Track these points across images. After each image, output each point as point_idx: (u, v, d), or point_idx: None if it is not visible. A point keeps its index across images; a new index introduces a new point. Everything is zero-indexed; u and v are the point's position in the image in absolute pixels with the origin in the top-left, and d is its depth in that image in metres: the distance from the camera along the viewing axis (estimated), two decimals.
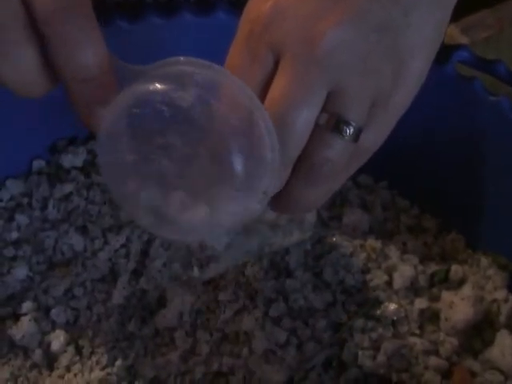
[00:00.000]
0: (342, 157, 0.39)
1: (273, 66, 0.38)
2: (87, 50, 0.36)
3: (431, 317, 0.54)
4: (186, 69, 0.37)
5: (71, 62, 0.36)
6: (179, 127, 0.36)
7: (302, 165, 0.39)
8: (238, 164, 0.36)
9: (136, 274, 0.57)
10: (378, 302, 0.54)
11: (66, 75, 0.36)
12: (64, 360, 0.53)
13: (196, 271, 0.51)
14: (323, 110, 0.38)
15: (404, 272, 0.55)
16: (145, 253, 0.58)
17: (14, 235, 0.58)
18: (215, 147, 0.36)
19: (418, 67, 0.39)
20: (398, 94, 0.39)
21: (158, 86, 0.36)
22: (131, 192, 0.38)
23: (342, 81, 0.37)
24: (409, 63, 0.38)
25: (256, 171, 0.37)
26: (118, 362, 0.53)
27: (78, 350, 0.54)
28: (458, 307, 0.52)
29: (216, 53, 0.50)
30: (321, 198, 0.42)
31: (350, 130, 0.38)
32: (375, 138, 0.40)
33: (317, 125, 0.38)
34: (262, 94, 0.38)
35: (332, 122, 0.38)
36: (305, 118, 0.37)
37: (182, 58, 0.37)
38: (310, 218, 0.52)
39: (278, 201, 0.41)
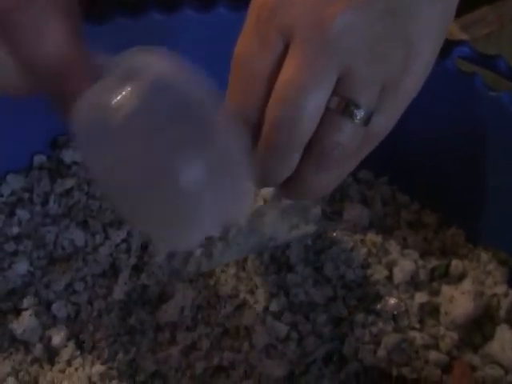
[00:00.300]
0: (352, 141, 0.39)
1: (283, 49, 0.38)
2: (45, 40, 0.37)
3: (431, 311, 0.54)
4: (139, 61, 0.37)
5: (29, 52, 0.37)
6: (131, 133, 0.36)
7: (313, 149, 0.39)
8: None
9: (137, 269, 0.57)
10: (378, 297, 0.54)
11: (27, 67, 0.37)
12: (65, 354, 0.53)
13: (197, 264, 0.51)
14: (334, 93, 0.38)
15: (404, 267, 0.55)
16: (145, 248, 0.58)
17: (15, 230, 0.58)
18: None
19: (427, 52, 0.39)
20: (407, 79, 0.39)
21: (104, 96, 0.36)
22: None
23: (351, 64, 0.37)
24: (418, 48, 0.38)
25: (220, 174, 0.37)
26: (119, 357, 0.53)
27: (79, 345, 0.54)
28: (458, 301, 0.52)
29: (217, 48, 0.51)
30: (331, 183, 0.42)
31: (360, 114, 0.38)
32: (385, 122, 0.40)
33: (327, 109, 0.38)
34: (273, 78, 0.38)
35: (342, 105, 0.38)
36: (316, 102, 0.37)
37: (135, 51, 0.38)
38: (315, 211, 0.52)
39: (289, 186, 0.41)
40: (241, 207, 0.39)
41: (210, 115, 0.37)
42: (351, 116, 0.38)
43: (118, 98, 0.35)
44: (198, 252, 0.55)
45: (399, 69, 0.38)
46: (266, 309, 0.54)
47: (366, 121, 0.38)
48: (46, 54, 0.37)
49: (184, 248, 0.43)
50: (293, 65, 0.37)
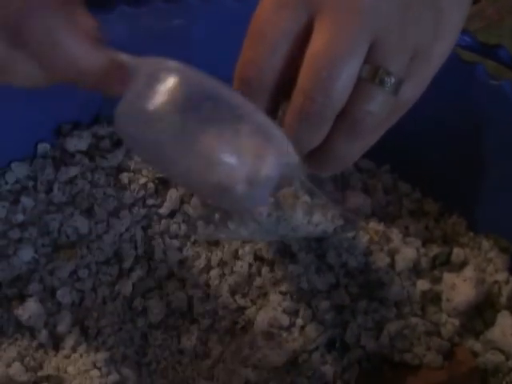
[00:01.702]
0: (383, 109, 0.39)
1: (305, 20, 0.38)
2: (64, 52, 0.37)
3: (433, 298, 0.54)
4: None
5: (55, 64, 0.37)
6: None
7: (345, 118, 0.39)
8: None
9: (141, 256, 0.57)
10: (380, 284, 0.55)
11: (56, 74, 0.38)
12: (70, 341, 0.53)
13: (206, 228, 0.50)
14: (365, 61, 0.38)
15: (406, 254, 0.56)
16: (150, 237, 0.58)
17: (20, 217, 0.58)
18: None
19: (455, 20, 0.40)
20: (437, 45, 0.39)
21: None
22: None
23: (383, 32, 0.37)
24: (448, 15, 0.39)
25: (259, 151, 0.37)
26: (125, 343, 0.53)
27: (84, 331, 0.54)
28: (460, 288, 0.53)
29: (224, 38, 0.51)
30: (358, 153, 0.42)
31: (391, 82, 0.38)
32: (414, 90, 0.40)
33: (359, 77, 0.38)
34: (295, 49, 0.38)
35: (374, 73, 0.38)
36: (349, 71, 0.37)
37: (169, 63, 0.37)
38: (335, 212, 0.52)
39: (316, 156, 0.41)
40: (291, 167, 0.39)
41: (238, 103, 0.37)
42: (382, 84, 0.38)
43: (161, 97, 0.36)
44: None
45: (429, 35, 0.39)
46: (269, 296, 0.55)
47: (397, 89, 0.38)
48: (69, 65, 0.37)
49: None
50: (323, 35, 0.37)
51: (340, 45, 0.37)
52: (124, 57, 0.38)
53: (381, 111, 0.39)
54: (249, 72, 0.39)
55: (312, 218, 0.47)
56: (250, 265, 0.56)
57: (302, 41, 0.38)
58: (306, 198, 0.46)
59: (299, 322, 0.53)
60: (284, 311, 0.54)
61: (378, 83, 0.38)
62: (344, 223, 0.48)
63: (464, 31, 0.55)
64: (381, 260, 0.56)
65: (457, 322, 0.53)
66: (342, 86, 0.37)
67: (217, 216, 0.46)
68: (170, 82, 0.37)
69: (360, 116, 0.39)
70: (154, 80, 0.37)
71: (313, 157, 0.41)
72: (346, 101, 0.38)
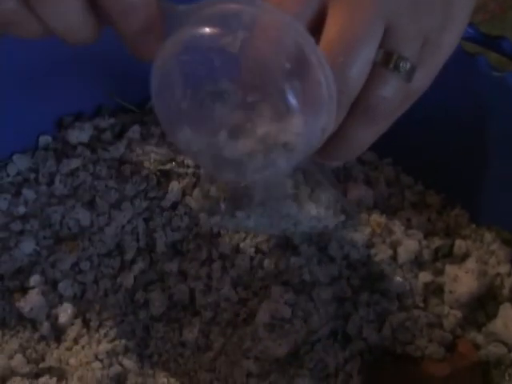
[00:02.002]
0: (397, 95, 0.39)
1: (318, 5, 0.38)
2: None
3: (435, 290, 0.54)
4: (231, 8, 0.36)
5: None
6: (230, 73, 0.36)
7: (359, 104, 0.39)
8: (294, 104, 0.35)
9: (143, 248, 0.57)
10: (382, 276, 0.55)
11: (111, 9, 0.37)
12: (71, 333, 0.53)
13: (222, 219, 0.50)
14: (379, 47, 0.38)
15: (408, 246, 0.55)
16: (152, 229, 0.58)
17: (22, 210, 0.58)
18: (269, 89, 0.36)
19: (464, 8, 0.40)
20: (447, 34, 0.39)
21: (205, 31, 0.36)
22: (188, 137, 0.39)
23: (396, 17, 0.37)
24: (457, 4, 0.39)
25: (312, 109, 0.36)
26: (126, 335, 0.53)
27: (86, 323, 0.54)
28: (462, 280, 0.53)
29: None
30: (370, 140, 0.42)
31: (405, 66, 0.38)
32: (424, 78, 0.40)
33: (374, 63, 0.38)
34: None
35: (389, 58, 0.38)
36: (365, 55, 0.37)
37: None
38: (338, 208, 0.51)
39: (329, 144, 0.41)
40: (314, 146, 0.39)
41: None
42: (397, 69, 0.38)
43: (215, 47, 0.35)
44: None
45: (439, 24, 0.39)
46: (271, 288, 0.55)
47: (411, 74, 0.39)
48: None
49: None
50: (337, 21, 0.37)
51: (356, 30, 0.37)
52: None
53: (395, 97, 0.39)
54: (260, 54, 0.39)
55: (314, 211, 0.47)
56: (252, 258, 0.56)
57: (314, 27, 0.38)
58: (308, 190, 0.46)
59: (301, 313, 0.53)
60: (286, 303, 0.53)
61: (393, 68, 0.38)
62: (345, 218, 0.48)
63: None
64: (383, 252, 0.56)
65: (459, 314, 0.53)
66: (359, 71, 0.37)
67: (222, 206, 0.46)
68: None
69: (375, 102, 0.39)
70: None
71: (324, 145, 0.41)
72: (361, 87, 0.38)
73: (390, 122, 0.42)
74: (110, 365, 0.51)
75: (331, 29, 0.37)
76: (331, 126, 0.38)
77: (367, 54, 0.37)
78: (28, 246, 0.56)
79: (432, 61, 0.40)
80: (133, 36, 0.38)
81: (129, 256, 0.57)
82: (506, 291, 0.53)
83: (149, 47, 0.39)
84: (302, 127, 0.36)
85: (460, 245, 0.56)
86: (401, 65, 0.38)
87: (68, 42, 0.39)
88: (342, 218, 0.48)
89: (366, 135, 0.41)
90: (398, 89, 0.39)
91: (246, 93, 0.36)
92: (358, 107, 0.39)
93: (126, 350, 0.53)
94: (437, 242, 0.57)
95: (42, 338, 0.53)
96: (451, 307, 0.53)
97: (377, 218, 0.58)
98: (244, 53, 0.35)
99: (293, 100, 0.36)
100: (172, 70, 0.37)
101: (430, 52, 0.39)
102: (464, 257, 0.56)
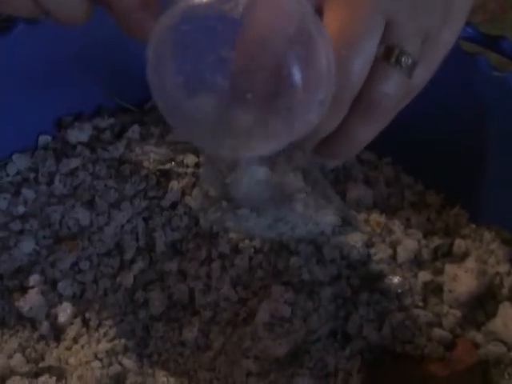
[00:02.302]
0: (399, 91, 0.39)
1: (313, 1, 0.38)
2: None
3: (435, 289, 0.54)
4: None
5: None
6: (231, 40, 0.35)
7: (360, 100, 0.39)
8: (295, 74, 0.35)
9: (142, 248, 0.57)
10: (382, 276, 0.55)
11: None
12: (71, 332, 0.53)
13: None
14: (381, 42, 0.38)
15: (408, 246, 0.56)
16: (152, 228, 0.58)
17: (21, 209, 0.58)
18: (271, 55, 0.36)
19: (463, 6, 0.40)
20: (446, 30, 0.40)
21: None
22: (185, 110, 0.38)
23: (396, 12, 0.37)
24: (456, 2, 0.39)
25: (312, 81, 0.36)
26: (126, 334, 0.53)
27: (85, 323, 0.54)
28: (462, 279, 0.53)
29: None
30: (371, 136, 0.41)
31: (408, 61, 0.38)
32: (424, 74, 0.41)
33: (375, 58, 0.38)
34: None
35: (390, 53, 0.38)
36: (368, 50, 0.37)
37: None
38: (336, 208, 0.51)
39: (329, 142, 0.41)
40: (312, 120, 0.38)
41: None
42: (399, 63, 0.38)
43: (216, 14, 0.35)
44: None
45: (438, 20, 0.39)
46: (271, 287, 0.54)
47: (411, 70, 0.39)
48: None
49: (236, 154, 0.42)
50: (337, 16, 0.37)
51: (357, 24, 0.37)
52: None
53: (397, 93, 0.39)
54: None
55: (312, 214, 0.46)
56: (251, 257, 0.56)
57: None
58: (306, 194, 0.46)
59: (301, 313, 0.53)
60: (286, 302, 0.53)
61: (395, 63, 0.38)
62: (342, 224, 0.48)
63: (466, 23, 0.54)
64: (382, 251, 0.56)
65: (458, 313, 0.53)
66: (361, 64, 0.37)
67: (224, 203, 0.45)
68: None
69: (377, 97, 0.39)
70: None
71: (325, 143, 0.41)
72: (363, 82, 0.38)
73: (390, 119, 0.42)
74: (110, 364, 0.51)
75: (331, 24, 0.37)
76: (328, 100, 0.37)
77: (369, 48, 0.37)
78: (27, 245, 0.56)
79: (432, 57, 0.40)
80: (127, 14, 0.38)
81: (128, 255, 0.57)
82: (505, 290, 0.53)
83: (144, 25, 0.38)
84: (302, 94, 0.36)
85: (459, 244, 0.56)
86: (403, 59, 0.38)
87: (58, 20, 0.39)
88: (339, 222, 0.48)
89: (367, 132, 0.41)
90: (399, 84, 0.39)
91: (247, 60, 0.35)
92: (359, 103, 0.39)
93: (126, 350, 0.53)
94: (436, 241, 0.57)
95: (42, 337, 0.53)
96: (451, 306, 0.53)
97: (376, 217, 0.58)
98: (247, 18, 0.35)
99: (294, 66, 0.35)
100: (170, 42, 0.36)
101: (430, 49, 0.39)
102: (463, 256, 0.56)
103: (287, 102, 0.36)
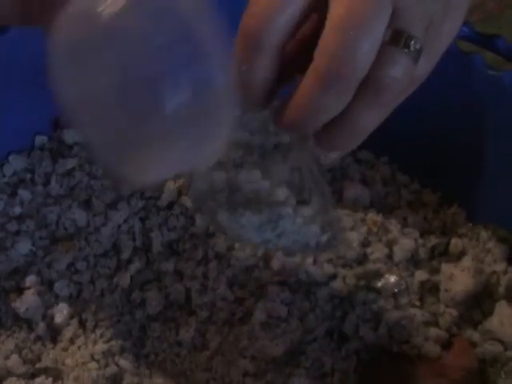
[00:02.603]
0: (406, 76, 0.38)
1: None
2: None
3: (431, 289, 0.54)
4: None
5: None
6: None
7: (367, 85, 0.38)
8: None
9: (139, 248, 0.57)
10: (378, 275, 0.55)
11: None
12: (67, 333, 0.53)
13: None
14: (388, 26, 0.37)
15: (404, 245, 0.56)
16: (148, 229, 0.58)
17: (18, 210, 0.58)
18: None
19: (463, 1, 0.41)
20: (448, 22, 0.40)
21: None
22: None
23: None
24: None
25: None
26: (123, 335, 0.53)
27: (82, 324, 0.54)
28: (458, 278, 0.53)
29: None
30: (374, 125, 0.40)
31: (415, 45, 0.37)
32: (427, 63, 0.40)
33: (382, 42, 0.37)
34: (302, 9, 0.38)
35: (398, 37, 0.37)
36: (375, 32, 0.37)
37: None
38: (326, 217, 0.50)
39: (330, 130, 0.40)
40: (211, 150, 0.37)
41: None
42: (408, 47, 0.37)
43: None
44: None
45: (442, 10, 0.39)
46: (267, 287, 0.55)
47: (418, 54, 0.38)
48: None
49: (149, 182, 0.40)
50: (344, 1, 0.37)
51: (365, 7, 0.36)
52: None
53: (404, 78, 0.38)
54: (252, 29, 0.38)
55: (299, 222, 0.46)
56: (247, 257, 0.56)
57: (313, 7, 0.38)
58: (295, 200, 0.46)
59: (297, 313, 0.53)
60: (282, 302, 0.53)
61: (403, 47, 0.37)
62: (327, 238, 0.47)
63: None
64: (379, 251, 0.56)
65: (455, 312, 0.53)
66: (369, 47, 0.37)
67: (220, 196, 0.44)
68: None
69: (385, 82, 0.38)
70: None
71: (326, 130, 0.40)
72: (370, 66, 0.37)
73: (393, 107, 0.41)
74: (106, 365, 0.51)
75: (339, 6, 0.37)
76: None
77: (377, 31, 0.37)
78: (24, 246, 0.56)
79: (435, 46, 0.40)
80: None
81: (125, 256, 0.57)
82: (501, 289, 0.53)
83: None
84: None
85: (456, 243, 0.56)
86: (411, 43, 0.37)
87: None
88: (325, 237, 0.47)
89: (371, 118, 0.39)
90: (407, 68, 0.38)
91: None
92: (366, 87, 0.38)
93: (123, 350, 0.53)
94: (433, 240, 0.57)
95: (38, 338, 0.53)
96: (447, 305, 0.53)
97: (373, 216, 0.58)
98: None
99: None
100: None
101: (434, 37, 0.39)
102: (460, 255, 0.56)
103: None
